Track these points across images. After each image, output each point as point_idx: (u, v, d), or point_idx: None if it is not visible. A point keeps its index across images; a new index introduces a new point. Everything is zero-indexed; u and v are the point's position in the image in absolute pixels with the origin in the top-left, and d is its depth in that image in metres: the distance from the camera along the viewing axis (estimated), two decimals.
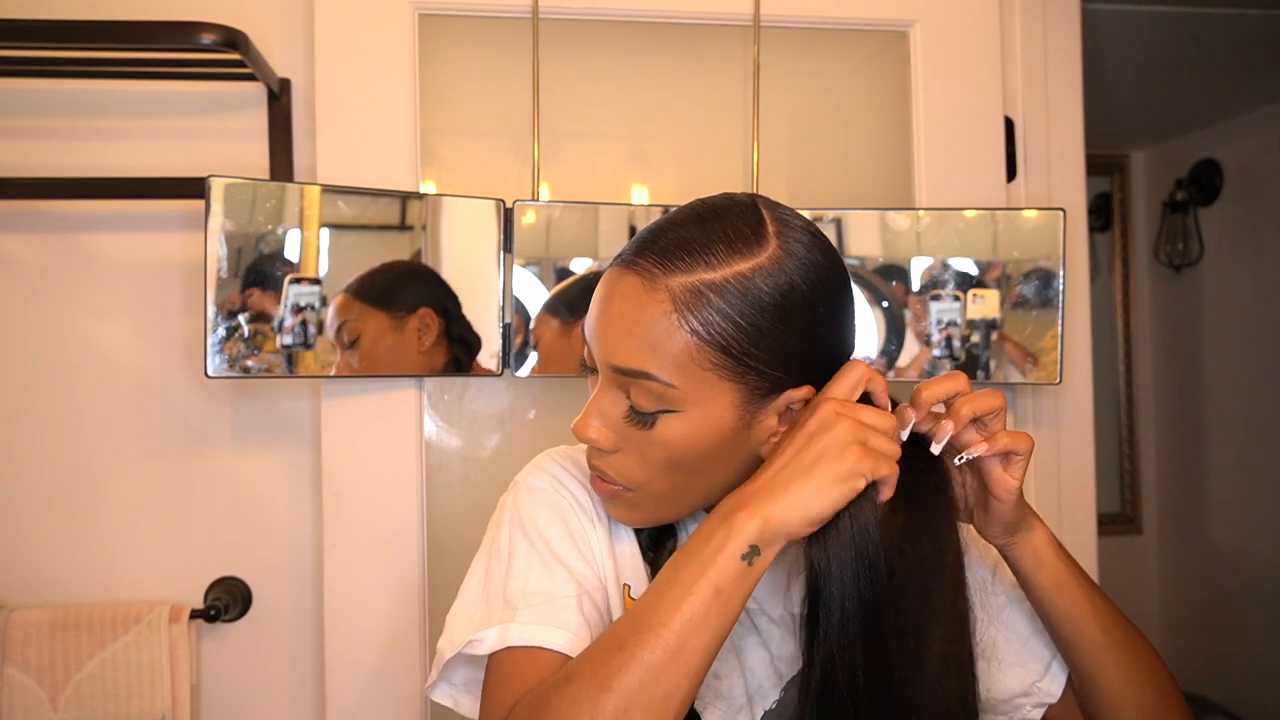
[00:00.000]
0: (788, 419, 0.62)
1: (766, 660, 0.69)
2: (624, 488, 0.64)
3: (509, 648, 0.61)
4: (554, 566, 0.65)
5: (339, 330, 1.10)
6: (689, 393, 0.59)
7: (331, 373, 1.10)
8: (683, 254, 0.58)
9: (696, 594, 0.54)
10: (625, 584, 0.69)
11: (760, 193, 1.21)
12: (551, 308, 1.15)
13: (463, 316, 1.15)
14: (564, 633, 0.61)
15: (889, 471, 0.59)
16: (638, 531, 0.71)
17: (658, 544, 0.71)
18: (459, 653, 0.63)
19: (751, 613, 0.70)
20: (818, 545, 0.59)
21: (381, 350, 1.12)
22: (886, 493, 0.60)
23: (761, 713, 0.68)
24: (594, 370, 0.65)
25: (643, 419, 0.60)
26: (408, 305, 1.13)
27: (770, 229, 0.60)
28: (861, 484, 0.57)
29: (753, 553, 0.56)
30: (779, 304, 0.58)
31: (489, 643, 0.62)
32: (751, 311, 0.58)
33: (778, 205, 0.64)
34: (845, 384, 0.61)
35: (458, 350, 1.15)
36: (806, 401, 0.62)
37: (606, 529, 0.71)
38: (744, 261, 0.58)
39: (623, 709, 0.52)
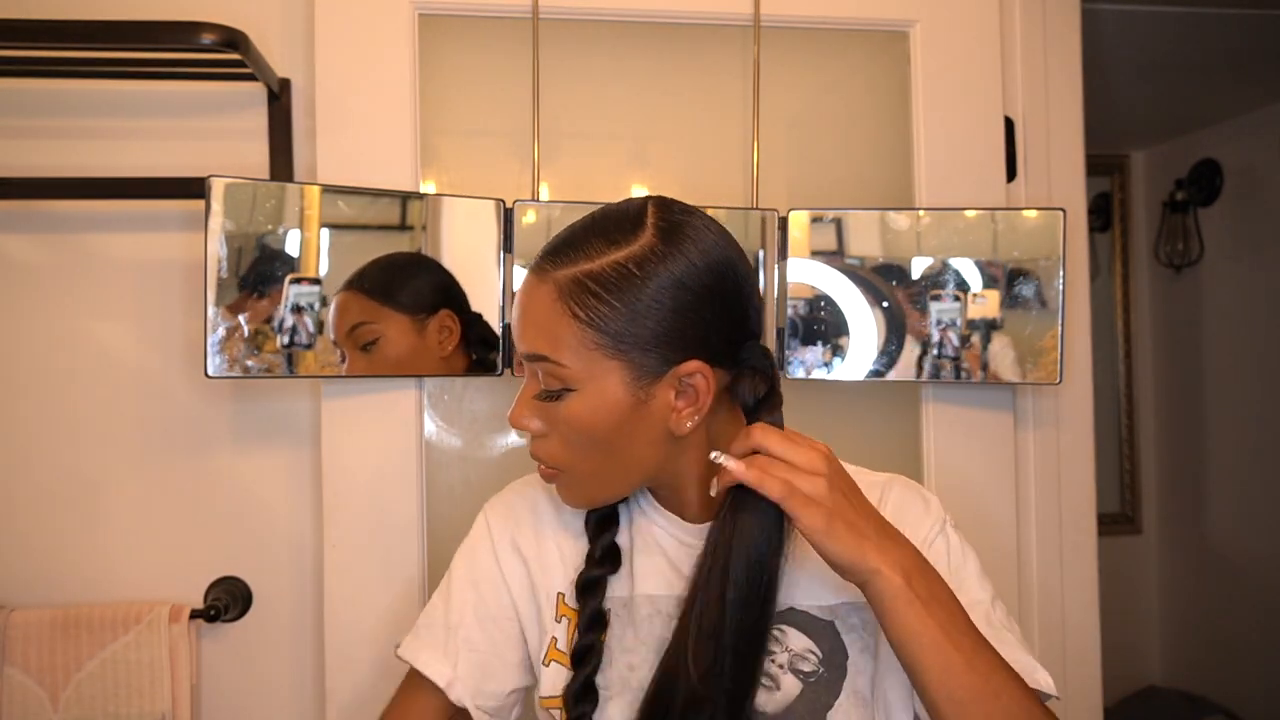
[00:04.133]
0: (687, 395, 0.68)
1: None
2: (558, 470, 0.71)
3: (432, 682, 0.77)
4: (451, 604, 0.80)
5: (351, 332, 1.09)
6: (580, 372, 0.66)
7: (335, 372, 1.10)
8: (569, 250, 0.67)
9: None
10: (559, 592, 0.77)
11: (759, 192, 1.23)
12: None
13: (479, 316, 1.14)
14: (430, 654, 0.78)
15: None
16: (585, 523, 0.78)
17: (600, 531, 0.77)
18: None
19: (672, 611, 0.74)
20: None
21: (398, 353, 1.11)
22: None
23: None
24: None
25: (550, 396, 0.68)
26: (428, 307, 1.12)
27: (649, 221, 0.67)
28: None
29: None
30: (653, 287, 0.65)
31: (423, 663, 0.78)
32: (625, 295, 0.65)
33: (673, 204, 0.70)
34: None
35: (479, 351, 1.14)
36: (697, 375, 0.67)
37: (565, 536, 0.79)
38: (619, 251, 0.66)
39: None
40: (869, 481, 0.77)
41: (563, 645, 0.76)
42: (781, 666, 0.71)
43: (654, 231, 0.66)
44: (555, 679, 0.76)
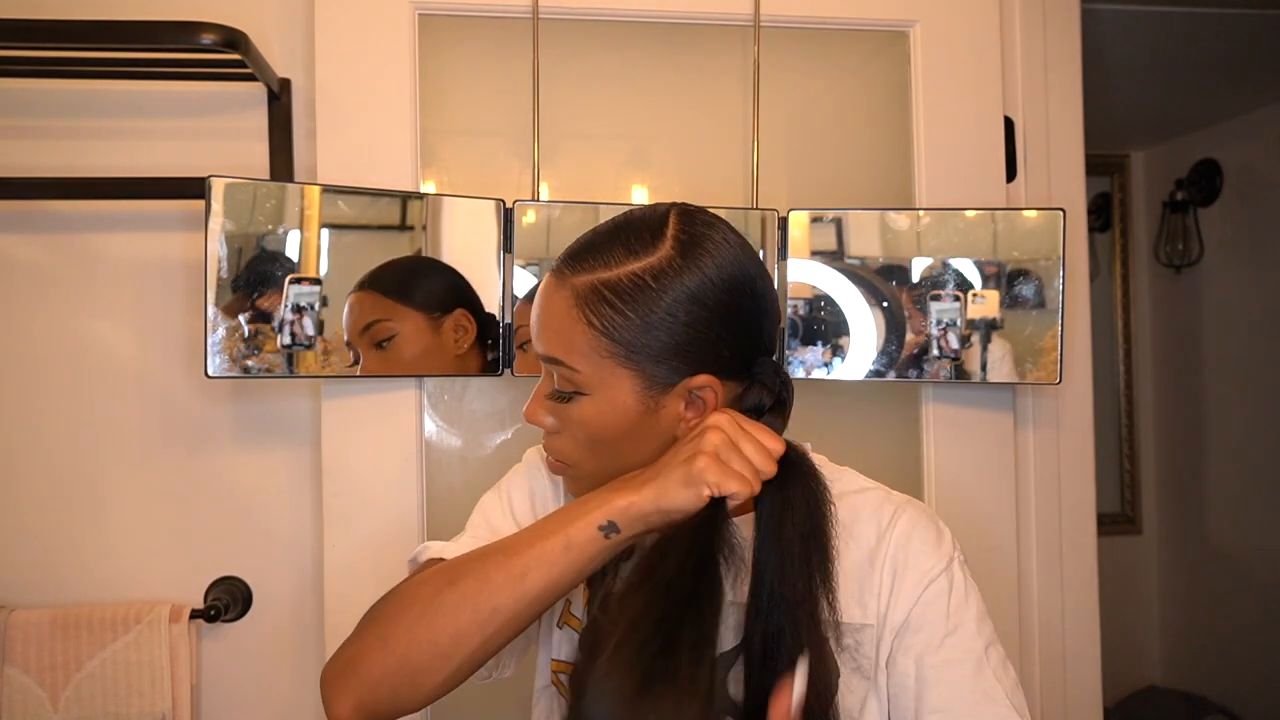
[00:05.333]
0: (696, 406, 0.68)
1: None
2: (566, 465, 0.73)
3: (439, 557, 0.73)
4: (507, 513, 0.80)
5: (366, 330, 1.09)
6: (592, 378, 0.67)
7: (336, 371, 1.10)
8: (589, 257, 0.67)
9: (551, 540, 0.64)
10: None
11: (759, 192, 1.23)
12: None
13: (492, 316, 1.14)
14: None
15: (737, 488, 0.62)
16: None
17: None
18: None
19: None
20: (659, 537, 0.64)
21: (413, 351, 1.11)
22: (732, 504, 0.63)
23: None
24: None
25: (562, 398, 0.69)
26: (443, 306, 1.12)
27: (669, 232, 0.67)
28: (705, 492, 0.62)
29: (610, 527, 0.63)
30: (667, 301, 0.65)
31: (432, 550, 0.75)
32: (640, 306, 0.65)
33: (696, 215, 0.69)
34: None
35: (494, 351, 1.14)
36: (706, 389, 0.67)
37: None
38: (637, 262, 0.66)
39: (456, 604, 0.64)
40: (880, 499, 0.74)
41: (577, 611, 0.77)
42: None
43: (673, 244, 0.66)
44: (569, 644, 0.76)
